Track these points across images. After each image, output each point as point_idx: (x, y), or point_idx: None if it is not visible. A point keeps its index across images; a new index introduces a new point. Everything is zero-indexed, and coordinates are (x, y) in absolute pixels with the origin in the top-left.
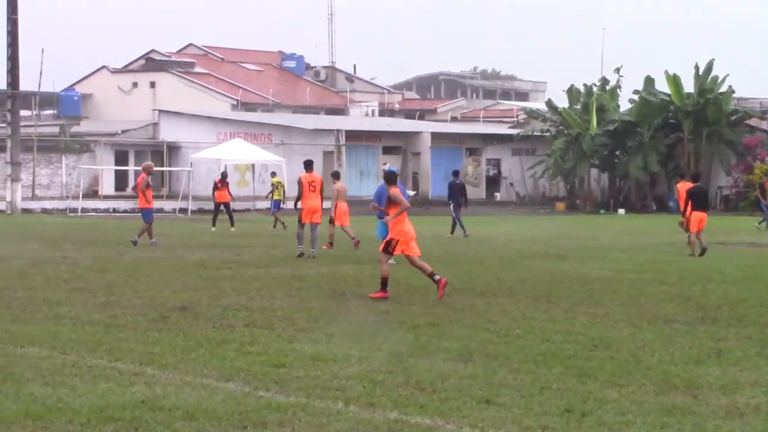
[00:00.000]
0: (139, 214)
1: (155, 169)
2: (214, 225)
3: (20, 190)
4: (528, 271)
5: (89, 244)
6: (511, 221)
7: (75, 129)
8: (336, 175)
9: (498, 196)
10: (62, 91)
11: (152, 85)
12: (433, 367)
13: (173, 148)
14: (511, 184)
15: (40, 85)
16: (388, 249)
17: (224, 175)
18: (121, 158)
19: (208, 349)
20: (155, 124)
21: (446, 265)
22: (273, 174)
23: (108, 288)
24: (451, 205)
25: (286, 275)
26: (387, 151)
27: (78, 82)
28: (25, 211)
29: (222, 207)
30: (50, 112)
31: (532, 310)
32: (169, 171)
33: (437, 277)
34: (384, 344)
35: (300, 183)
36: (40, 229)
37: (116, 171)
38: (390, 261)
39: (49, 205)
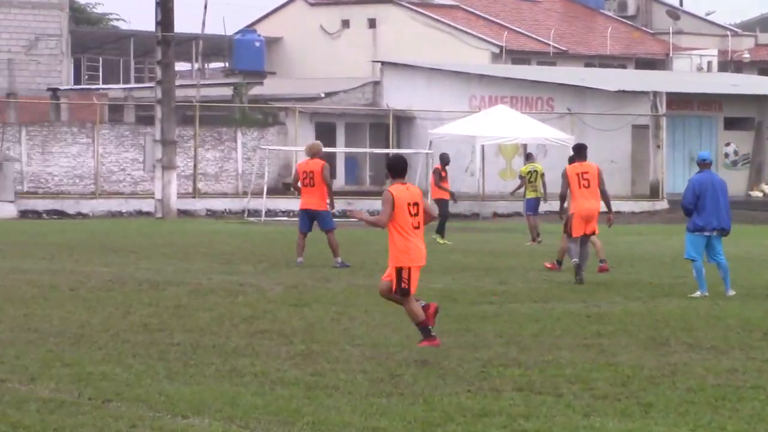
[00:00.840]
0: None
1: (376, 152)
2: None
3: (175, 182)
4: None
5: (278, 265)
6: None
7: (256, 91)
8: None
9: None
10: (237, 33)
11: (371, 24)
12: None
13: (403, 120)
14: None
15: (204, 24)
16: (402, 285)
17: (446, 161)
18: (324, 134)
19: (462, 424)
20: (376, 84)
21: None
22: (528, 156)
23: (309, 330)
24: None
25: (578, 314)
26: (731, 124)
27: (260, 20)
28: (183, 213)
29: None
30: (220, 65)
31: None
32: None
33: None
34: (730, 420)
35: (565, 176)
36: (205, 240)
37: None
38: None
39: (218, 204)
